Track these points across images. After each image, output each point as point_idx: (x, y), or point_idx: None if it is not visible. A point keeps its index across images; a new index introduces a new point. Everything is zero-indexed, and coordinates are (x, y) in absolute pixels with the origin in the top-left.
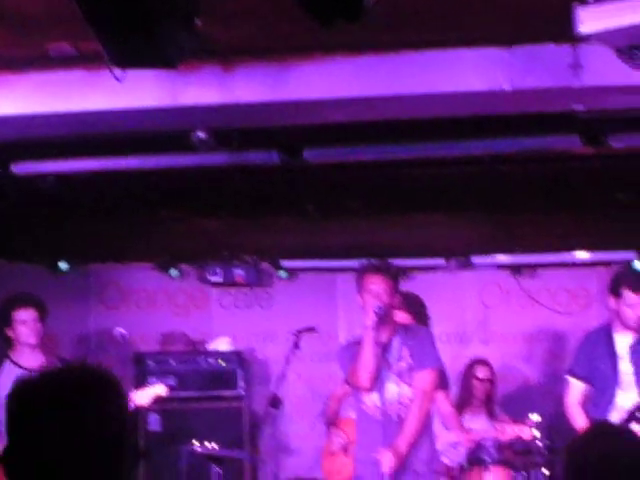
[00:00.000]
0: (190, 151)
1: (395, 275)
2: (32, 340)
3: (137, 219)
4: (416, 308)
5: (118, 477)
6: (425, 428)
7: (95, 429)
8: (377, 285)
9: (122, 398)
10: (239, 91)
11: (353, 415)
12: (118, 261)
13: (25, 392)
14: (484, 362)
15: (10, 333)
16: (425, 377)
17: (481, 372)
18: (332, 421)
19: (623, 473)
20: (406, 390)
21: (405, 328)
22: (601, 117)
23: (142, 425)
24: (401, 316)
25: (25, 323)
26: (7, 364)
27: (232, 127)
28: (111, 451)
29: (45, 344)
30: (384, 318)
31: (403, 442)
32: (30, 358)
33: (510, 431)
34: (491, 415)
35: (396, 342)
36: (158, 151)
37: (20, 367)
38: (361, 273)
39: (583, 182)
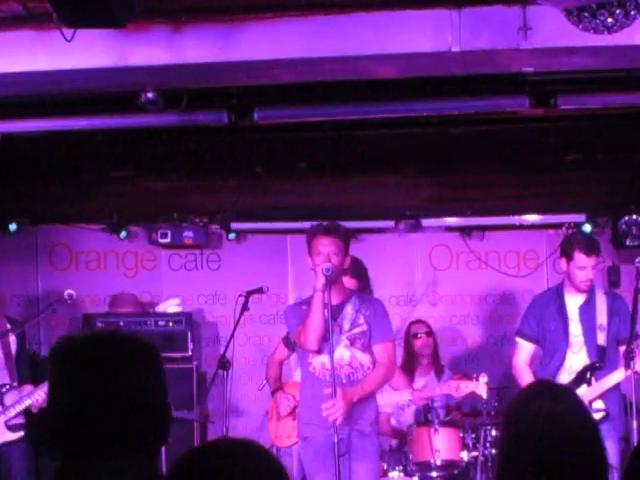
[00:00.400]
0: (139, 111)
1: (345, 237)
2: None
3: (86, 180)
4: (360, 272)
5: (148, 439)
6: (375, 396)
7: (131, 390)
8: (327, 247)
9: (161, 365)
10: (189, 51)
11: (298, 378)
12: (67, 222)
13: (67, 351)
14: (420, 321)
15: None
16: (388, 349)
17: (417, 329)
18: (277, 386)
19: (557, 431)
20: (359, 355)
21: (359, 296)
22: (550, 78)
23: None
24: (346, 281)
25: None
26: None
27: (181, 87)
28: (144, 415)
29: None
30: (334, 280)
31: (355, 394)
32: None
33: (464, 387)
34: (440, 375)
35: (350, 308)
36: (107, 111)
37: None
38: (311, 235)
39: (532, 144)
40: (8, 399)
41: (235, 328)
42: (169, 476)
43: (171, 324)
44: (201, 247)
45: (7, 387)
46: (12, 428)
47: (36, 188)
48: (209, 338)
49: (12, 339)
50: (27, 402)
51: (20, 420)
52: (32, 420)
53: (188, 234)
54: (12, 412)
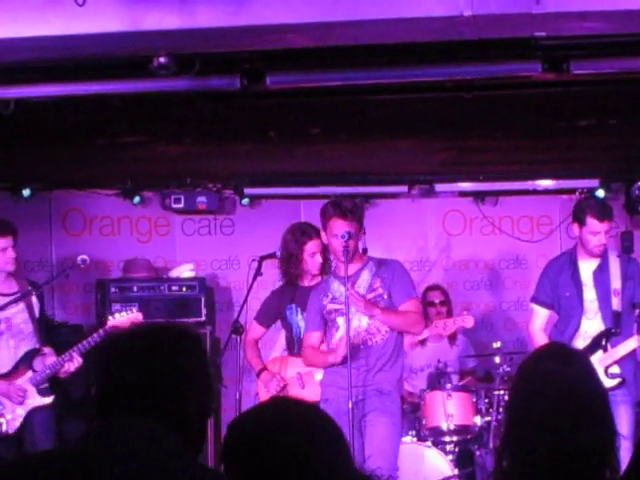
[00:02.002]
0: (151, 76)
1: (360, 217)
2: (10, 267)
3: (99, 145)
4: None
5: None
6: (399, 351)
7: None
8: (342, 229)
9: (204, 354)
10: (201, 16)
11: (278, 353)
12: (80, 188)
13: (118, 343)
14: (436, 287)
15: None
16: (414, 305)
17: (433, 296)
18: (261, 366)
19: (564, 394)
20: (376, 320)
21: (376, 261)
22: (562, 43)
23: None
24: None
25: (4, 251)
26: None
27: (194, 52)
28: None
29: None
30: (354, 247)
31: (376, 309)
32: (6, 284)
33: (451, 324)
34: (453, 342)
35: (366, 273)
36: (119, 76)
37: None
38: (327, 216)
39: (545, 109)
40: (37, 364)
41: (248, 293)
42: (229, 435)
43: (184, 289)
44: (215, 212)
45: (36, 352)
46: (43, 393)
47: (49, 154)
48: (222, 303)
49: (35, 302)
50: (57, 367)
51: (47, 385)
52: (59, 385)
53: (201, 199)
54: (41, 376)
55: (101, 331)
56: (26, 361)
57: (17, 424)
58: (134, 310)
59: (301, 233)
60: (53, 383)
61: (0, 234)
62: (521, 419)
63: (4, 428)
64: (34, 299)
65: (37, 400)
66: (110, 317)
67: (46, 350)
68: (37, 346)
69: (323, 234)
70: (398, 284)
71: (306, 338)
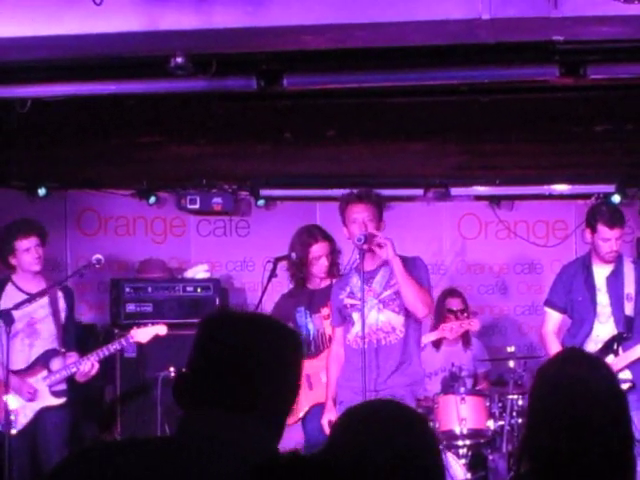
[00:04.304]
0: (168, 76)
1: (378, 202)
2: (35, 267)
3: (115, 145)
4: (328, 235)
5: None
6: (413, 352)
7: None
8: (361, 214)
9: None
10: (218, 16)
11: None
12: (96, 187)
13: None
14: (455, 292)
15: (13, 261)
16: (426, 292)
17: (453, 303)
18: None
19: (588, 398)
20: (392, 318)
21: (399, 258)
22: (580, 48)
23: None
24: (319, 245)
25: (28, 251)
26: (9, 286)
27: (210, 52)
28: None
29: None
30: (370, 246)
31: (398, 260)
32: (32, 283)
33: (458, 327)
34: (467, 346)
35: (384, 270)
36: (136, 76)
37: (22, 291)
38: (344, 204)
39: (562, 113)
40: (55, 364)
41: (263, 295)
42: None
43: (199, 290)
44: (230, 213)
45: (54, 352)
46: (56, 394)
47: (65, 153)
48: (237, 304)
49: (62, 306)
50: (73, 369)
51: (63, 387)
52: (75, 388)
53: (217, 200)
54: (56, 377)
55: (123, 341)
56: (43, 361)
57: (24, 421)
58: (157, 325)
59: (307, 235)
60: (72, 385)
61: (24, 234)
62: (543, 424)
63: (13, 423)
64: (62, 302)
65: (48, 400)
66: (135, 328)
67: (70, 354)
68: (56, 347)
69: (344, 230)
70: (415, 277)
71: (332, 333)
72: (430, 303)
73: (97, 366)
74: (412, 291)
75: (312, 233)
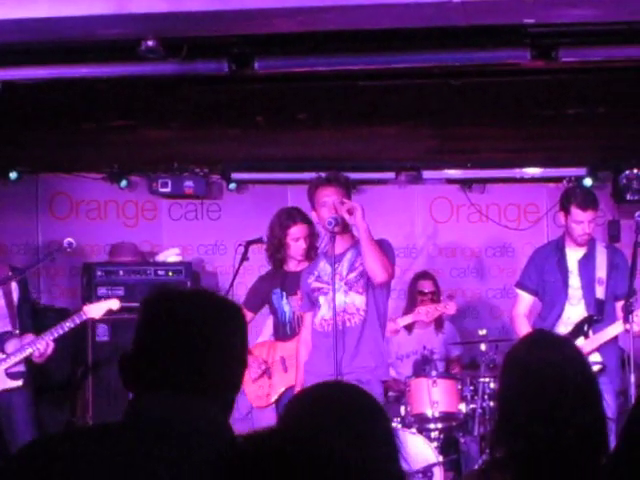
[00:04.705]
0: (139, 60)
1: (347, 185)
2: None
3: (86, 129)
4: (307, 217)
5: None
6: (377, 334)
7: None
8: (331, 197)
9: (243, 325)
10: None
11: (265, 338)
12: (67, 171)
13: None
14: (427, 275)
15: None
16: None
17: (424, 285)
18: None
19: (556, 380)
20: (356, 299)
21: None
22: (551, 31)
23: (90, 336)
24: (298, 228)
25: None
26: None
27: (181, 36)
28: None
29: None
30: (342, 228)
31: (363, 225)
32: None
33: (433, 311)
34: (439, 329)
35: (350, 253)
36: (107, 60)
37: None
38: (313, 188)
39: (533, 96)
40: (9, 347)
41: (234, 278)
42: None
43: (171, 274)
44: (201, 197)
45: (8, 335)
46: (12, 376)
47: (36, 137)
48: (208, 288)
49: (14, 287)
50: (28, 351)
51: (20, 368)
52: (32, 368)
53: (188, 184)
54: (12, 360)
55: (75, 318)
56: None
57: None
58: (109, 299)
59: (286, 217)
60: (33, 367)
61: None
62: (515, 408)
63: None
64: (13, 284)
65: (5, 383)
66: (87, 304)
67: (26, 336)
68: (9, 329)
69: (314, 214)
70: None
71: (302, 319)
72: (390, 271)
73: (52, 345)
74: (373, 254)
75: (291, 215)
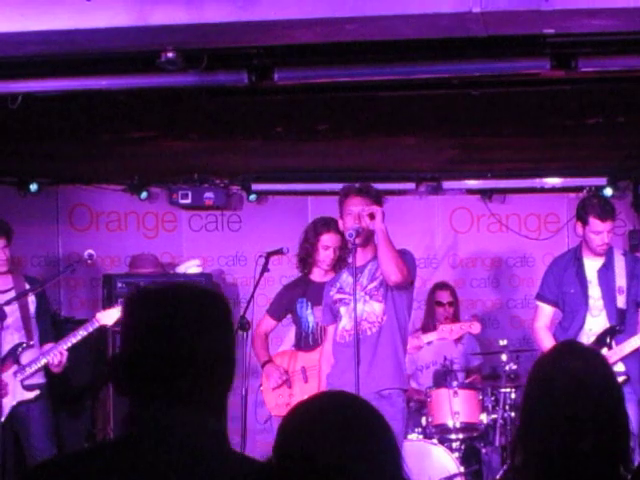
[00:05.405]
0: (159, 72)
1: (377, 197)
2: (2, 268)
3: (106, 140)
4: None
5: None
6: (397, 343)
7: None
8: (357, 207)
9: (228, 322)
10: (209, 11)
11: (286, 347)
12: (87, 183)
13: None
14: (445, 285)
15: None
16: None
17: (441, 296)
18: (267, 358)
19: (584, 391)
20: (376, 307)
21: None
22: (570, 40)
23: (112, 346)
24: (330, 237)
25: None
26: None
27: (201, 47)
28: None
29: (13, 267)
30: (364, 242)
31: (380, 220)
32: (0, 281)
33: (458, 329)
34: (459, 339)
35: (371, 265)
36: (127, 71)
37: None
38: (343, 196)
39: (553, 106)
40: (25, 358)
41: (255, 289)
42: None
43: None
44: (221, 208)
45: (23, 346)
46: (29, 387)
47: (57, 148)
48: (229, 299)
49: (31, 299)
50: (43, 361)
51: (39, 379)
52: (51, 379)
53: (209, 195)
54: (28, 371)
55: (88, 325)
56: (12, 355)
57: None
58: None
59: (322, 224)
60: (53, 378)
61: None
62: (538, 417)
63: None
64: (31, 297)
65: (20, 395)
66: (101, 311)
67: (46, 346)
68: (26, 341)
69: (340, 222)
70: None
71: (325, 331)
72: (405, 273)
73: (66, 354)
74: (388, 254)
75: (327, 222)
